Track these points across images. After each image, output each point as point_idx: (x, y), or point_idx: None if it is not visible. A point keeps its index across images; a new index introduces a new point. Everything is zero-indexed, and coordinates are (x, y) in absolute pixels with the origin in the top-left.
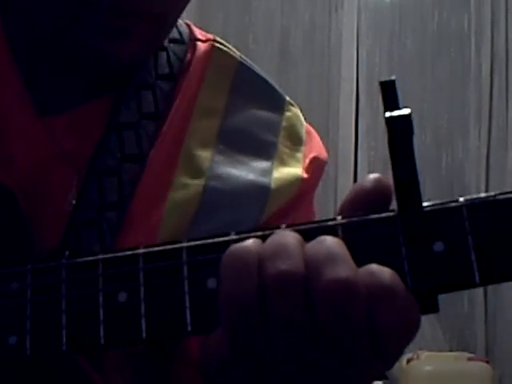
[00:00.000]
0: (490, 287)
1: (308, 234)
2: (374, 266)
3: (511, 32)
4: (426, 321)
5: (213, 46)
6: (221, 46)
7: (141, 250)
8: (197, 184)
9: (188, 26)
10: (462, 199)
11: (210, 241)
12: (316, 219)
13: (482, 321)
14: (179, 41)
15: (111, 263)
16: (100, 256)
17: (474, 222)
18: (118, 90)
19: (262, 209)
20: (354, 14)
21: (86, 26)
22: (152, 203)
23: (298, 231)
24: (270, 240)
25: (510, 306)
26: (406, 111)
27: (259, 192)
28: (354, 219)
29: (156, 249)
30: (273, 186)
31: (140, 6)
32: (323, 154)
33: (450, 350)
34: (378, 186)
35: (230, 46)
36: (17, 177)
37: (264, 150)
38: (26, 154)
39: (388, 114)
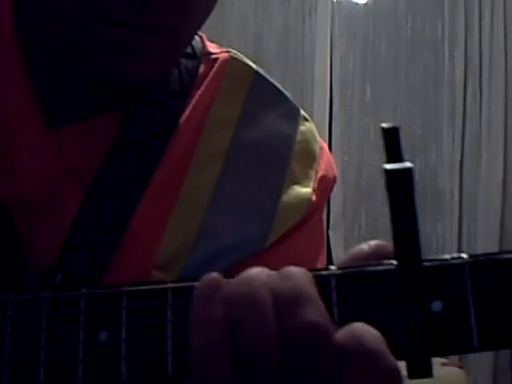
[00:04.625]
0: None
1: None
2: (358, 327)
3: (485, 37)
4: None
5: (229, 56)
6: (236, 57)
7: (125, 288)
8: (201, 201)
9: (201, 38)
10: (465, 256)
11: (196, 283)
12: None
13: None
14: (191, 55)
15: (94, 300)
16: (83, 291)
17: (476, 282)
18: (128, 105)
19: (266, 233)
20: (328, 19)
21: (95, 42)
22: (152, 225)
23: None
24: (236, 280)
25: None
26: (407, 165)
27: (264, 216)
28: (350, 270)
29: (141, 288)
30: (279, 210)
31: (151, 20)
32: (332, 172)
33: None
34: (378, 252)
35: (245, 58)
36: (18, 189)
37: (276, 164)
38: (32, 167)
39: (388, 167)
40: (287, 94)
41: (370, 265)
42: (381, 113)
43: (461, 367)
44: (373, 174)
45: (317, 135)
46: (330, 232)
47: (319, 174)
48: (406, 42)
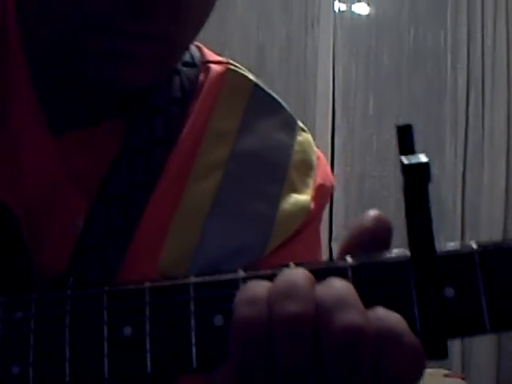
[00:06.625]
0: None
1: (317, 275)
2: (380, 311)
3: (487, 48)
4: None
5: (227, 68)
6: (235, 68)
7: (147, 284)
8: (201, 209)
9: (199, 48)
10: (474, 245)
11: (218, 277)
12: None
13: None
14: (191, 64)
15: (117, 296)
16: (105, 288)
17: (485, 269)
18: (132, 112)
19: (265, 242)
20: (330, 30)
21: (86, 51)
22: (157, 228)
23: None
24: (280, 277)
25: None
26: (423, 159)
27: (264, 224)
28: (365, 261)
29: (163, 283)
30: (278, 218)
31: (144, 28)
32: (329, 181)
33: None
34: (379, 225)
35: (244, 69)
36: (25, 196)
37: (275, 174)
38: (37, 173)
39: (405, 161)
40: (284, 104)
41: (385, 255)
42: (383, 124)
43: (463, 378)
44: (375, 186)
45: (313, 145)
46: (333, 244)
47: (317, 183)
48: (408, 53)
